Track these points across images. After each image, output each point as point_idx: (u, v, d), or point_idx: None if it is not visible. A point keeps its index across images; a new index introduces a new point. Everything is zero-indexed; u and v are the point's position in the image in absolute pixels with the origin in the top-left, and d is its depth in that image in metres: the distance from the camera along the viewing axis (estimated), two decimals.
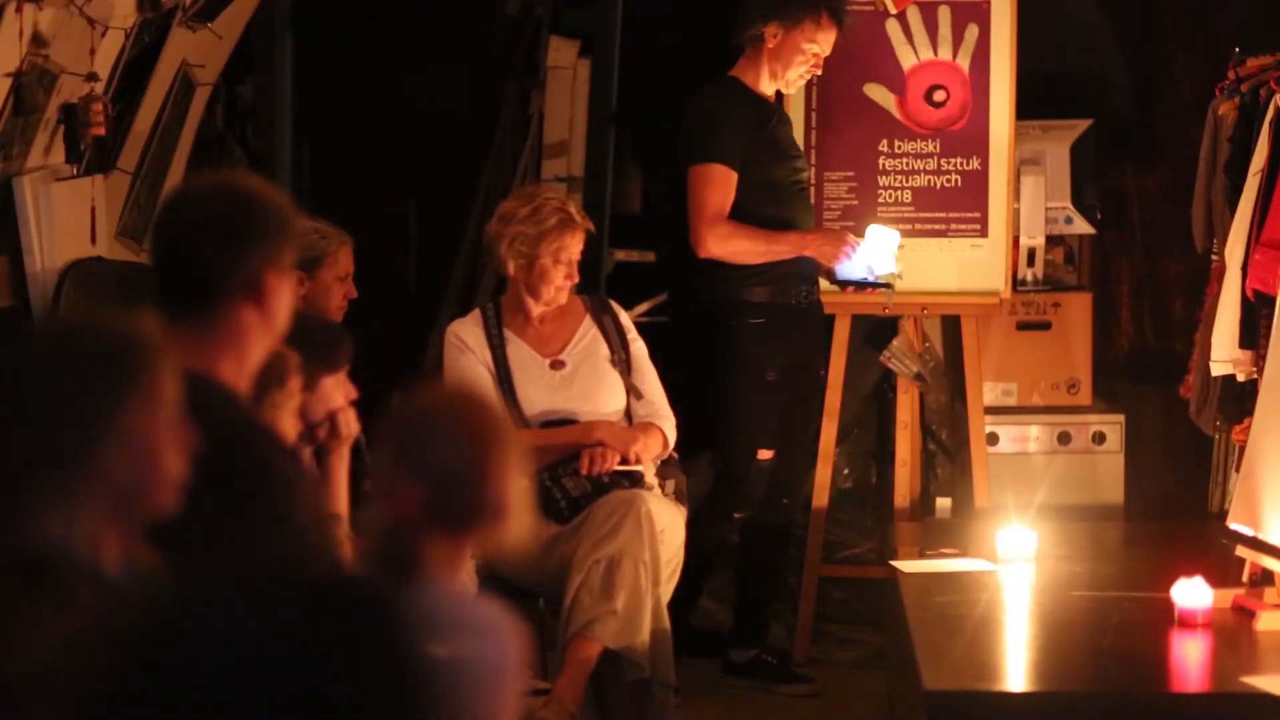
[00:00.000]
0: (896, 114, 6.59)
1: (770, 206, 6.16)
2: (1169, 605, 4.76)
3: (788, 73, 6.21)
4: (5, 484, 2.57)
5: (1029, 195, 6.71)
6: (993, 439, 6.71)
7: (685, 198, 6.20)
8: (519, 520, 2.79)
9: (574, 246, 5.58)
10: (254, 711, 2.39)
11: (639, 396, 5.66)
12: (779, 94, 6.33)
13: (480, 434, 2.76)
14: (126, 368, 2.60)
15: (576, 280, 5.65)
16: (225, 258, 3.08)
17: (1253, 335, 5.66)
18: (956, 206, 6.57)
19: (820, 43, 6.18)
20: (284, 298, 3.12)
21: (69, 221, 5.94)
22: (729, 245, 6.07)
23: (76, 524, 2.56)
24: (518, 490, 2.78)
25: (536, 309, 5.63)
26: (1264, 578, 4.91)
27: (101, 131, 5.88)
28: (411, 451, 2.75)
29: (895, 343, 6.63)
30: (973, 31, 6.56)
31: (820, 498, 6.57)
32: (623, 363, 5.67)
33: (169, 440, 2.63)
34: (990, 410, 6.70)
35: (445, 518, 2.73)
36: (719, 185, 6.10)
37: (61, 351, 2.61)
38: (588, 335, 5.69)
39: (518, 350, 5.61)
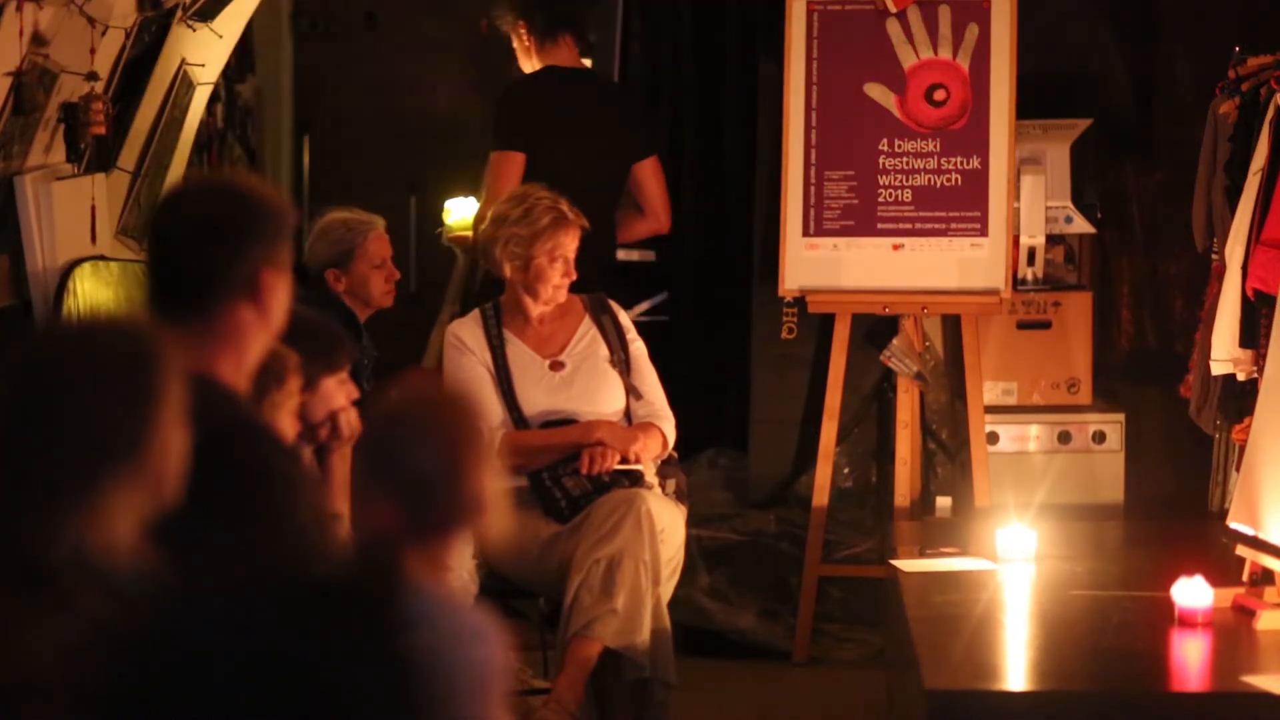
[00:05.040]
0: (896, 113, 6.59)
1: None
2: (1169, 605, 4.76)
3: None
4: (21, 488, 2.57)
5: (1029, 194, 6.71)
6: (993, 438, 6.71)
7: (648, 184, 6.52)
8: (498, 515, 2.79)
9: (569, 244, 5.57)
10: (250, 711, 2.39)
11: (638, 396, 5.66)
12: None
13: (447, 437, 2.76)
14: (149, 377, 2.61)
15: (573, 278, 5.64)
16: (221, 257, 3.07)
17: (1253, 334, 5.66)
18: (956, 206, 6.57)
19: None
20: (281, 296, 3.12)
21: (69, 220, 5.93)
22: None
23: (87, 527, 2.57)
24: (493, 484, 2.78)
25: (535, 309, 5.63)
26: (1264, 577, 4.91)
27: (102, 130, 5.88)
28: (381, 464, 2.75)
29: (895, 342, 6.63)
30: (973, 31, 6.56)
31: (820, 497, 6.58)
32: (622, 363, 5.67)
33: (177, 442, 2.64)
34: (990, 409, 6.70)
35: (422, 526, 2.73)
36: None
37: (84, 360, 2.61)
38: (587, 335, 5.69)
39: (517, 351, 5.61)
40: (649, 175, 6.52)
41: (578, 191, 6.17)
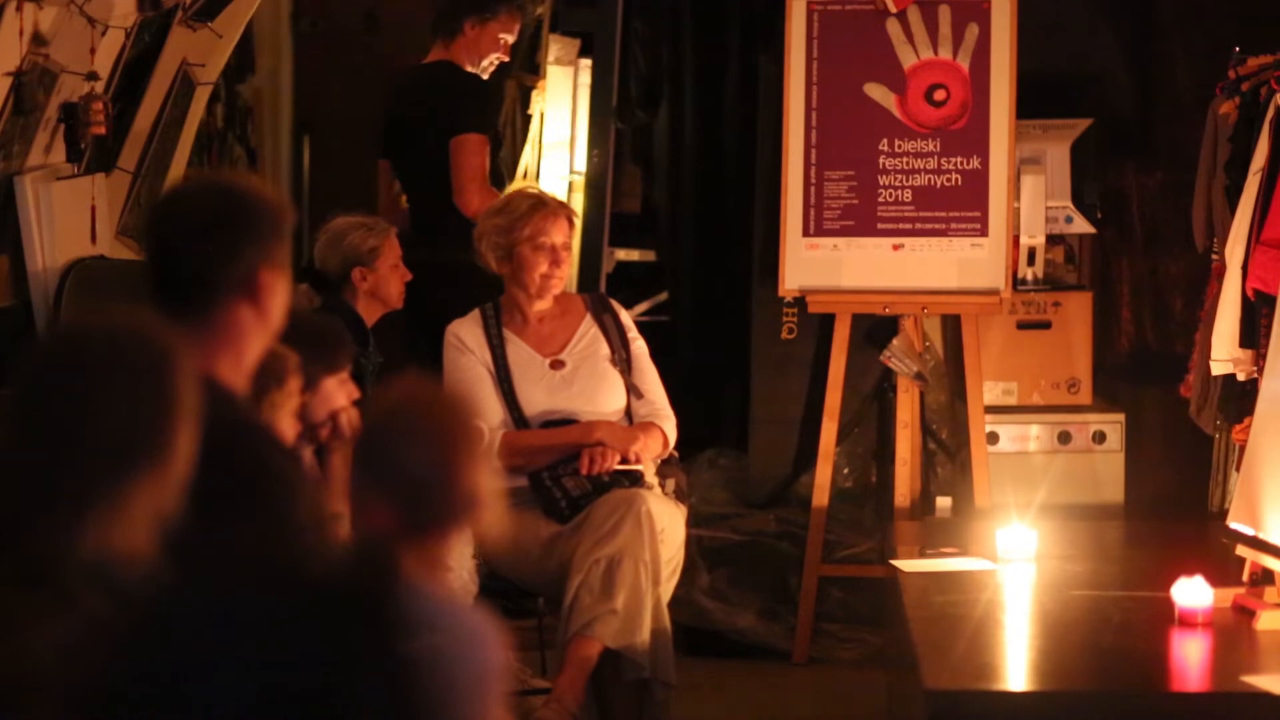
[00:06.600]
0: (896, 113, 6.59)
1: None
2: (1169, 605, 4.76)
3: (482, 62, 6.54)
4: (44, 490, 2.57)
5: (1029, 194, 6.71)
6: (993, 438, 6.71)
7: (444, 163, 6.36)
8: (495, 513, 2.79)
9: (553, 231, 5.54)
10: (249, 713, 2.39)
11: (639, 396, 5.65)
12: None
13: (441, 436, 2.76)
14: (170, 379, 2.61)
15: (563, 265, 5.61)
16: (219, 256, 3.07)
17: (1253, 334, 5.66)
18: (957, 206, 6.57)
19: (511, 33, 6.59)
20: (279, 296, 3.12)
21: (69, 220, 5.94)
22: (487, 207, 6.14)
23: (108, 529, 2.56)
24: (489, 483, 2.78)
25: (532, 306, 5.61)
26: (1264, 577, 4.90)
27: (102, 130, 5.89)
28: (376, 465, 2.75)
29: (895, 342, 6.63)
30: (973, 31, 6.56)
31: (820, 497, 6.58)
32: (623, 362, 5.67)
33: (187, 443, 2.64)
34: (990, 409, 6.70)
35: (418, 525, 2.73)
36: (484, 152, 6.40)
37: (109, 362, 2.61)
38: (588, 335, 5.68)
39: (517, 350, 5.60)
40: (455, 151, 6.36)
41: (429, 180, 6.33)
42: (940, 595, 5.09)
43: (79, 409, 2.58)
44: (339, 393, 4.37)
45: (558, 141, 8.08)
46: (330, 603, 2.45)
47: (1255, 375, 5.59)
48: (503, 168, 6.87)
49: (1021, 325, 6.87)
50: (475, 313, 5.68)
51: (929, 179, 6.59)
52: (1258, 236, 5.62)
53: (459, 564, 5.04)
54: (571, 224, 5.63)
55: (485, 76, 6.59)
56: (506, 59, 6.68)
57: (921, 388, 6.74)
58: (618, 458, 5.46)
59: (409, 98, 6.58)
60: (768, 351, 7.15)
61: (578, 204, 7.66)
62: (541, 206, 5.56)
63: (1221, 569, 4.98)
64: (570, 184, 7.95)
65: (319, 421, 4.33)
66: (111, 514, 2.57)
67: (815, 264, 6.58)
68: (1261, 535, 4.90)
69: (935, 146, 6.58)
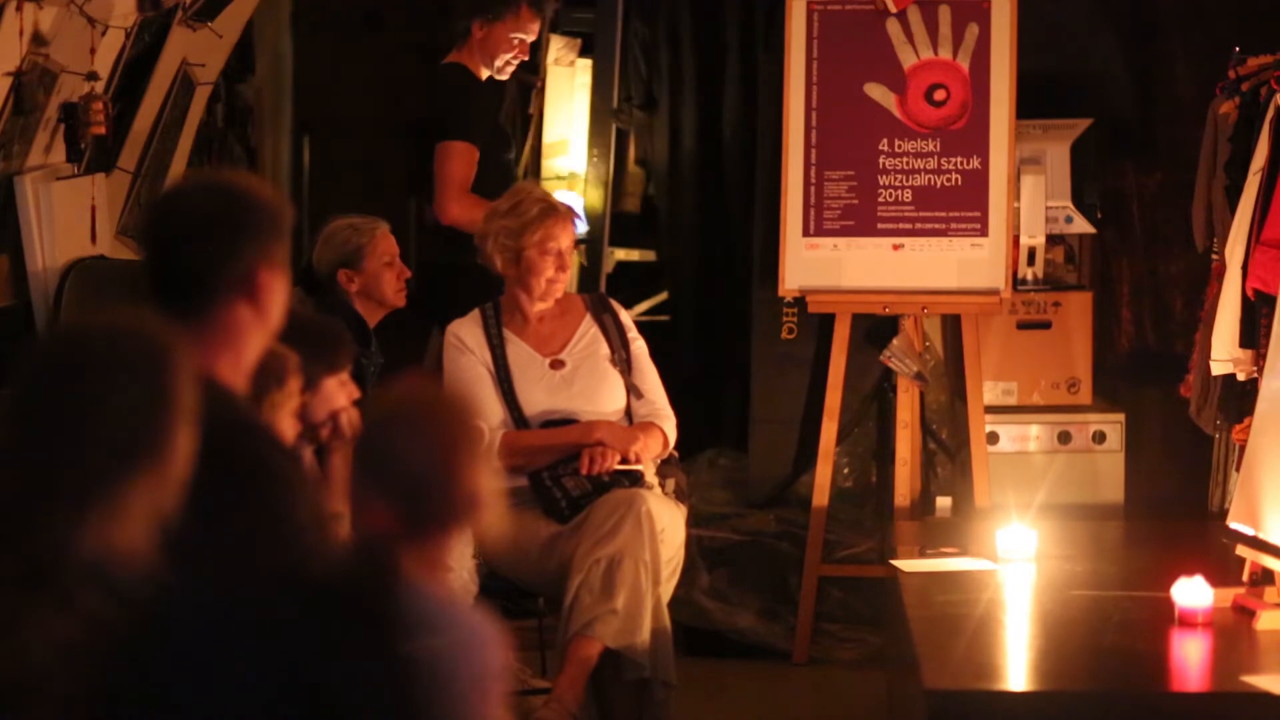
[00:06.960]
0: (896, 113, 6.59)
1: (490, 188, 6.26)
2: (1169, 605, 4.76)
3: (495, 62, 6.46)
4: (43, 489, 2.57)
5: (1029, 194, 6.71)
6: (993, 438, 6.71)
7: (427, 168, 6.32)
8: (495, 513, 2.79)
9: (561, 236, 5.56)
10: (249, 713, 2.39)
11: (639, 396, 5.65)
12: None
13: (441, 436, 2.76)
14: (169, 378, 2.62)
15: (568, 270, 5.63)
16: (218, 255, 3.07)
17: (1253, 334, 5.66)
18: (957, 206, 6.57)
19: (525, 32, 6.47)
20: (278, 295, 3.11)
21: (69, 220, 5.94)
22: (470, 214, 6.05)
23: (106, 528, 2.56)
24: (489, 483, 2.78)
25: (533, 307, 5.62)
26: (1264, 577, 4.91)
27: (102, 130, 5.89)
28: (375, 465, 2.75)
29: (895, 342, 6.63)
30: (973, 31, 6.56)
31: (820, 497, 6.58)
32: (623, 362, 5.67)
33: (186, 443, 2.64)
34: (990, 409, 6.70)
35: (418, 525, 2.73)
36: (466, 160, 6.30)
37: (107, 361, 2.61)
38: (588, 334, 5.68)
39: (517, 350, 5.61)
40: (437, 157, 6.31)
41: (432, 182, 6.28)
42: (940, 595, 5.10)
43: (78, 409, 2.58)
44: (339, 393, 4.37)
45: (558, 141, 8.09)
46: (330, 603, 2.45)
47: (1255, 375, 5.59)
48: (512, 168, 6.82)
49: (1021, 325, 6.87)
50: (475, 313, 5.69)
51: (929, 179, 6.59)
52: (1258, 236, 5.63)
53: (459, 564, 5.04)
54: (575, 227, 5.66)
55: (503, 78, 6.52)
56: (525, 58, 6.57)
57: (921, 388, 6.74)
58: (618, 458, 5.46)
59: (419, 100, 6.58)
60: (768, 351, 7.15)
61: (577, 204, 7.67)
62: (552, 212, 5.57)
63: (1221, 569, 4.98)
64: (570, 184, 7.96)
65: (319, 421, 4.33)
66: (111, 514, 2.57)
67: (815, 264, 6.59)
68: (1261, 535, 4.90)
69: (935, 146, 6.58)
